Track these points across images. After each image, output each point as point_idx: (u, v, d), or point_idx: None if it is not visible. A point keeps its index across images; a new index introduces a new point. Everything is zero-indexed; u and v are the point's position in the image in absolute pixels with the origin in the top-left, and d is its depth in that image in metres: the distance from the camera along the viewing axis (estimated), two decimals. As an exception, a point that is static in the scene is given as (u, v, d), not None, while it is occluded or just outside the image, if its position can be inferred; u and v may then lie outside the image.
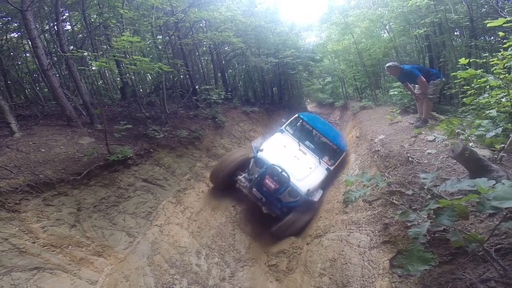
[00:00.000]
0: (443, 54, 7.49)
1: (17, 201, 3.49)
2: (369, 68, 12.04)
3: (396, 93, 7.25)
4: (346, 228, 3.59)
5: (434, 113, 5.70)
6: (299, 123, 6.56)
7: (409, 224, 2.21)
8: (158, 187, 5.22)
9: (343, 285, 2.90)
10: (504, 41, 3.81)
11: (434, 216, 1.47)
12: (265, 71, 10.77)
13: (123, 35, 5.21)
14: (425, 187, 1.93)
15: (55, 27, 6.93)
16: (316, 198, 4.91)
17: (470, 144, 3.08)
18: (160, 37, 8.91)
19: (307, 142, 6.06)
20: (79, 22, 8.79)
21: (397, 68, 5.18)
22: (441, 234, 1.96)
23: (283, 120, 6.64)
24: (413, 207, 2.35)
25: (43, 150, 4.49)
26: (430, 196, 2.04)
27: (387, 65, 5.32)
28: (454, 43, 7.52)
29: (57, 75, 6.83)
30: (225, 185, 5.55)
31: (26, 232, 3.37)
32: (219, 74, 11.42)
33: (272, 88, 13.18)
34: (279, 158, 5.09)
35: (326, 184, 5.49)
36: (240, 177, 5.22)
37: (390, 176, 3.30)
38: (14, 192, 3.50)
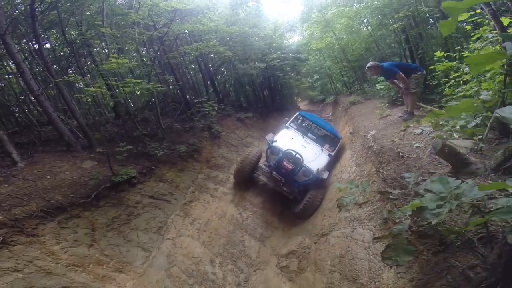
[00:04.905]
0: (421, 45, 7.78)
1: (34, 226, 3.64)
2: (353, 63, 12.22)
3: (382, 87, 7.57)
4: (349, 225, 3.79)
5: (420, 104, 5.92)
6: (300, 120, 7.66)
7: (397, 221, 2.45)
8: (164, 202, 5.38)
9: (353, 279, 3.08)
10: (472, 34, 4.11)
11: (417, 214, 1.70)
12: (255, 75, 11.04)
13: (111, 58, 5.35)
14: (410, 185, 2.17)
15: (36, 46, 6.94)
16: (325, 176, 5.80)
17: (454, 135, 3.34)
18: (144, 51, 9.02)
19: (309, 134, 7.12)
20: (58, 41, 8.77)
21: (377, 67, 5.38)
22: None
23: (286, 118, 7.71)
24: (397, 207, 2.60)
25: (48, 177, 4.62)
26: (414, 194, 2.28)
27: (367, 65, 5.50)
28: (431, 30, 7.65)
29: (48, 99, 6.90)
30: (248, 180, 6.45)
31: (48, 254, 3.54)
32: (209, 83, 11.57)
33: (263, 90, 13.43)
34: (290, 146, 6.03)
35: (329, 167, 6.29)
36: (261, 164, 6.34)
37: (384, 172, 3.55)
38: (30, 218, 3.66)
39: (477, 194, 1.41)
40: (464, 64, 4.08)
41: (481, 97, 2.68)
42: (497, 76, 3.28)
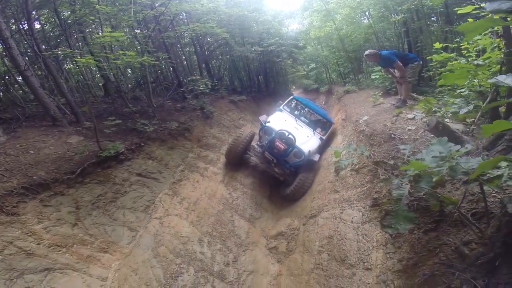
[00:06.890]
0: (420, 39, 7.78)
1: (14, 204, 3.46)
2: (351, 53, 12.24)
3: (377, 76, 7.58)
4: (338, 206, 3.82)
5: (413, 94, 5.99)
6: (293, 103, 7.71)
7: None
8: (153, 180, 5.25)
9: (341, 260, 3.12)
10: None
11: (414, 183, 1.66)
12: (250, 60, 10.92)
13: (105, 31, 5.13)
14: (405, 157, 2.14)
15: (25, 26, 6.65)
16: (316, 158, 5.89)
17: (446, 120, 3.36)
18: (138, 31, 8.69)
19: (302, 118, 7.23)
20: (49, 21, 8.44)
21: (375, 55, 5.44)
22: (424, 204, 2.18)
23: (280, 102, 7.66)
24: (395, 174, 2.59)
25: (32, 152, 4.41)
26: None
27: (366, 53, 5.57)
28: (431, 28, 7.76)
29: (35, 75, 6.60)
30: (239, 160, 6.39)
31: (29, 234, 3.38)
32: (203, 65, 11.33)
33: (258, 76, 13.32)
34: (283, 127, 6.09)
35: (321, 151, 6.37)
36: (253, 144, 6.36)
37: (376, 153, 3.54)
38: (10, 195, 3.47)
39: (473, 165, 1.39)
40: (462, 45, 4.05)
41: (475, 62, 2.65)
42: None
